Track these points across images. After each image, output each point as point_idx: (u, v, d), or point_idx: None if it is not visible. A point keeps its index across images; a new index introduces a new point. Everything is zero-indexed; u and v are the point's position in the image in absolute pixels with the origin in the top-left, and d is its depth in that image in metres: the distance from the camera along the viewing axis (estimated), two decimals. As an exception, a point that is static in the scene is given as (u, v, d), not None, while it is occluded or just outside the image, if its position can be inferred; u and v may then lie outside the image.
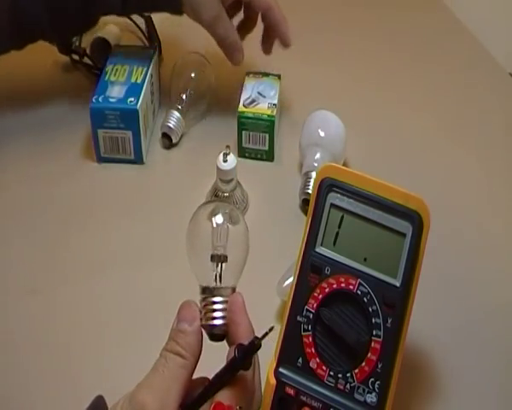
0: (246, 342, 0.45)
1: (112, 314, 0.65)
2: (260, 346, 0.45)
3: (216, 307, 0.48)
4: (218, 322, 0.48)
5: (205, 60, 0.89)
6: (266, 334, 0.45)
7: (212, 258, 0.49)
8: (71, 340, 0.63)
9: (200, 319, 0.48)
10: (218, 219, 0.50)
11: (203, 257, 0.49)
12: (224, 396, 0.45)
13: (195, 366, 0.46)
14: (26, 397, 0.58)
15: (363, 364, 0.48)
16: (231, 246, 0.50)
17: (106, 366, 0.60)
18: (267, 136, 0.81)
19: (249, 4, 0.83)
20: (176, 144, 0.85)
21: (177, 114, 0.84)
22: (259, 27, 0.87)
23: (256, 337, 0.45)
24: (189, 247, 0.51)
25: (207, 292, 0.49)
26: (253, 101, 0.82)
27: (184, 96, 0.86)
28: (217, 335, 0.48)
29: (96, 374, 0.58)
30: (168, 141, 0.84)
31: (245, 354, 0.45)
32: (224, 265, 0.49)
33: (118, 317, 0.65)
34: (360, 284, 0.49)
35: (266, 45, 0.87)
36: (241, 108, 0.81)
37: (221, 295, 0.49)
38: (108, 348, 0.62)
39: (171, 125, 0.83)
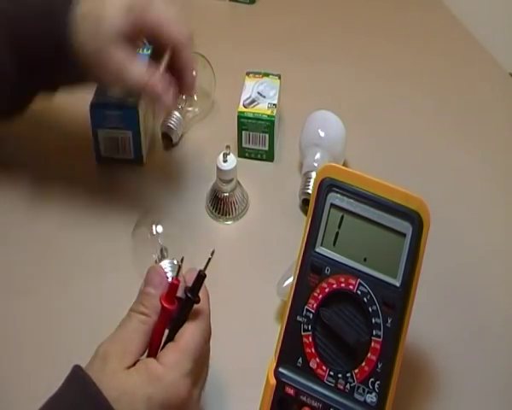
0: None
1: (111, 313, 0.65)
2: (205, 275, 0.49)
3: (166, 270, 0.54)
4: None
5: (205, 60, 0.89)
6: (209, 260, 0.49)
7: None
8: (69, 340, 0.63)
9: None
10: (159, 228, 0.60)
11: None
12: (186, 328, 0.49)
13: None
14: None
15: (363, 364, 0.48)
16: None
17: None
18: (267, 136, 0.81)
19: (159, 37, 0.67)
20: (176, 144, 0.85)
21: (177, 114, 0.84)
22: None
23: (200, 270, 0.49)
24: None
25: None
26: (253, 101, 0.82)
27: (184, 96, 0.86)
28: None
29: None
30: (168, 141, 0.84)
31: (194, 289, 0.49)
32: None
33: (117, 315, 0.65)
34: (360, 283, 0.49)
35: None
36: (241, 108, 0.81)
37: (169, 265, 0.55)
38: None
39: (171, 125, 0.83)
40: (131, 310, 0.50)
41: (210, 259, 0.49)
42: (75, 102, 0.77)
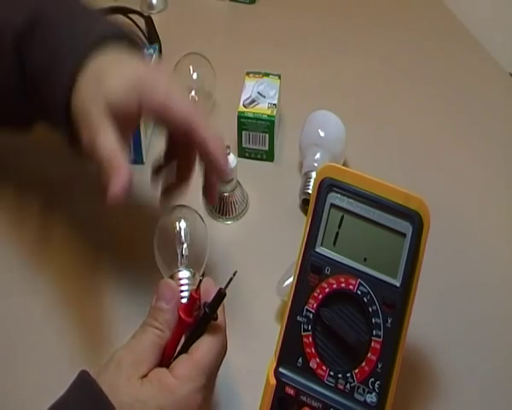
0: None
1: (110, 313, 0.65)
2: (225, 294, 0.49)
3: (183, 282, 0.54)
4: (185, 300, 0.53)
5: (206, 60, 0.89)
6: (231, 280, 0.49)
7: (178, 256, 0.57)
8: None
9: None
10: (182, 224, 0.59)
11: (170, 257, 0.58)
12: (203, 343, 0.49)
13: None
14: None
15: (363, 364, 0.48)
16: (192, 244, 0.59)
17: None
18: (267, 136, 0.81)
19: (168, 117, 0.57)
20: None
21: None
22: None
23: (221, 288, 0.49)
24: (159, 250, 0.60)
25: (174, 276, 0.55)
26: (253, 101, 0.82)
27: (190, 97, 0.85)
28: None
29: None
30: None
31: (213, 306, 0.49)
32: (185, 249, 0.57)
33: (117, 314, 0.65)
34: (360, 283, 0.49)
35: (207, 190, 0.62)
36: (241, 108, 0.81)
37: (188, 274, 0.55)
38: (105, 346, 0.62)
39: None
40: (146, 324, 0.50)
41: (231, 278, 0.49)
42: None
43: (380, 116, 0.91)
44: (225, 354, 0.51)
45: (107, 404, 0.45)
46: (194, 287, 0.51)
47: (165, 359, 0.50)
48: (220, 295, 0.49)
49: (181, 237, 0.58)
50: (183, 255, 0.57)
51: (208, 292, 0.51)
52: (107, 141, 0.54)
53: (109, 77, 0.56)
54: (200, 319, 0.49)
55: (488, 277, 0.71)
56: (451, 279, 0.70)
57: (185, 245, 0.58)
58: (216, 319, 0.49)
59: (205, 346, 0.49)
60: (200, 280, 0.51)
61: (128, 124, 0.58)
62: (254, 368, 0.54)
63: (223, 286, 0.49)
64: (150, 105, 0.56)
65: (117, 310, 0.65)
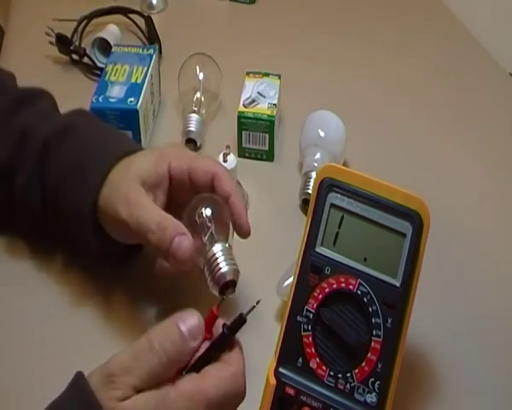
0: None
1: (110, 312, 0.65)
2: (246, 321, 0.47)
3: (218, 255, 0.55)
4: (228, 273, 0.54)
5: (212, 60, 0.89)
6: (253, 307, 0.47)
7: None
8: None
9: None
10: (207, 211, 0.58)
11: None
12: (215, 375, 0.45)
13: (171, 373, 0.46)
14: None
15: (363, 364, 0.48)
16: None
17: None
18: (267, 136, 0.81)
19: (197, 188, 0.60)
20: (200, 147, 0.84)
21: (196, 116, 0.84)
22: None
23: (242, 313, 0.47)
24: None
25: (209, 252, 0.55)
26: (253, 101, 0.82)
27: (195, 98, 0.86)
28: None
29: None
30: (193, 145, 0.84)
31: (232, 329, 0.47)
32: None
33: (116, 314, 0.65)
34: (360, 284, 0.49)
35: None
36: (241, 108, 0.81)
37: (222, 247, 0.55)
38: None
39: (193, 129, 0.83)
40: (158, 344, 0.45)
41: (254, 307, 0.47)
42: (75, 103, 0.77)
43: (380, 116, 0.91)
44: (239, 401, 0.47)
45: (100, 407, 0.44)
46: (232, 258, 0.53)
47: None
48: (241, 320, 0.47)
49: (206, 223, 0.57)
50: (212, 236, 0.57)
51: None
52: (153, 211, 0.57)
53: (136, 160, 0.61)
54: (217, 338, 0.47)
55: (488, 276, 0.71)
56: (451, 279, 0.70)
57: (212, 229, 0.57)
58: (232, 343, 0.47)
59: (214, 379, 0.45)
60: (223, 298, 0.51)
61: (159, 196, 0.60)
62: (254, 368, 0.54)
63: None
64: (180, 167, 0.60)
65: (118, 310, 0.65)
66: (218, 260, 0.55)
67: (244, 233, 0.60)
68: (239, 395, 0.47)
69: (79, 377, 0.47)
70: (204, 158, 0.62)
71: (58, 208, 0.63)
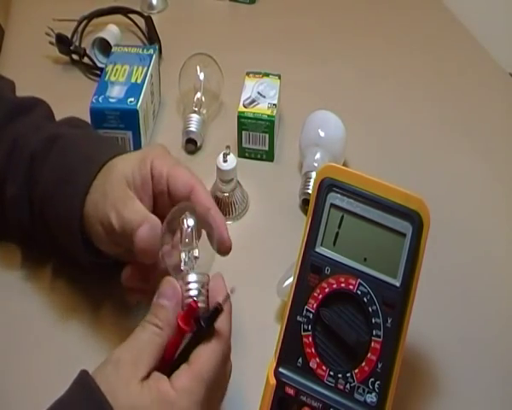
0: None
1: (110, 312, 0.65)
2: (222, 310, 0.48)
3: (191, 287, 0.51)
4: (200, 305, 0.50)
5: (213, 61, 0.89)
6: (228, 297, 0.48)
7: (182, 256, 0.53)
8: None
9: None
10: (189, 222, 0.54)
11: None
12: (202, 352, 0.48)
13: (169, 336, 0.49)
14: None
15: (363, 364, 0.48)
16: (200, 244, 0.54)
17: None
18: (267, 136, 0.81)
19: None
20: (199, 148, 0.84)
21: (196, 116, 0.84)
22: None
23: (219, 303, 0.48)
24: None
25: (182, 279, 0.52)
26: (253, 101, 0.82)
27: (196, 98, 0.86)
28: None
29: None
30: (193, 145, 0.84)
31: (209, 319, 0.48)
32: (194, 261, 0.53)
33: (116, 314, 0.65)
34: (360, 284, 0.49)
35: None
36: (241, 108, 0.81)
37: (196, 278, 0.52)
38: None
39: (193, 129, 0.83)
40: (145, 321, 0.50)
41: (229, 296, 0.48)
42: (75, 103, 0.77)
43: (380, 116, 0.91)
44: (228, 363, 0.50)
45: (106, 406, 0.45)
46: (204, 290, 0.50)
47: (165, 364, 0.49)
48: (217, 311, 0.48)
49: (188, 236, 0.54)
50: (189, 257, 0.54)
51: (217, 290, 0.50)
52: (138, 212, 0.55)
53: (119, 163, 0.59)
54: (196, 331, 0.48)
55: (488, 276, 0.71)
56: (451, 279, 0.70)
57: (194, 245, 0.54)
58: (212, 333, 0.48)
59: (204, 356, 0.48)
60: (207, 289, 0.50)
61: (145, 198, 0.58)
62: (254, 368, 0.54)
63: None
64: (160, 167, 0.58)
65: (119, 309, 0.65)
66: (190, 293, 0.51)
67: (225, 249, 0.56)
68: (226, 357, 0.50)
69: (84, 375, 0.47)
70: (184, 168, 0.59)
71: (46, 222, 0.63)
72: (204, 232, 0.56)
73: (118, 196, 0.57)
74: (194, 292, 0.50)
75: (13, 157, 0.65)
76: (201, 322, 0.48)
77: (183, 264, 0.53)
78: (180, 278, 0.52)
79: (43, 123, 0.67)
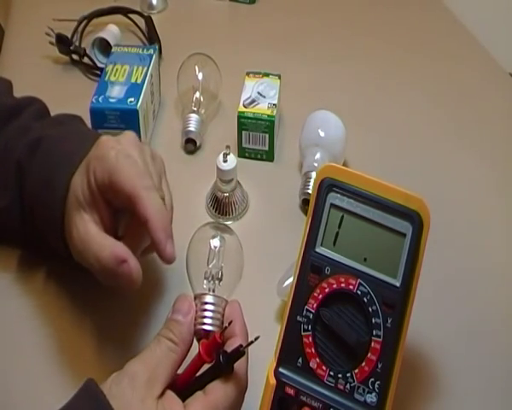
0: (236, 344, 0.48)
1: (106, 313, 0.65)
2: (244, 353, 0.48)
3: (207, 307, 0.52)
4: (208, 327, 0.51)
5: (211, 60, 0.89)
6: (251, 342, 0.48)
7: (206, 275, 0.54)
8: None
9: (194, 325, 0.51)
10: (215, 242, 0.55)
11: (200, 273, 0.54)
12: (220, 387, 0.48)
13: (186, 355, 0.50)
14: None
15: (363, 364, 0.48)
16: (226, 265, 0.55)
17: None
18: (267, 136, 0.81)
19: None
20: (199, 148, 0.84)
21: (195, 116, 0.84)
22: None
23: (241, 345, 0.48)
24: (189, 263, 0.56)
25: (199, 298, 0.52)
26: (253, 101, 0.82)
27: (195, 98, 0.86)
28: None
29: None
30: (192, 145, 0.84)
31: (229, 361, 0.48)
32: (217, 282, 0.54)
33: (112, 315, 0.65)
34: (360, 284, 0.49)
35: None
36: (241, 108, 0.81)
37: (213, 300, 0.52)
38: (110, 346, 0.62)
39: (193, 129, 0.83)
40: (160, 335, 0.50)
41: (252, 342, 0.48)
42: (75, 103, 0.77)
43: (379, 116, 0.91)
44: (240, 401, 0.50)
45: None
46: (220, 315, 0.51)
47: (179, 388, 0.49)
48: (239, 353, 0.48)
49: (213, 256, 0.54)
50: (212, 277, 0.54)
51: (232, 316, 0.50)
52: (100, 248, 0.54)
53: (72, 183, 0.57)
54: (215, 365, 0.48)
55: (488, 276, 0.70)
56: (452, 279, 0.70)
57: (216, 265, 0.54)
58: (230, 372, 0.48)
59: (221, 391, 0.48)
60: (225, 327, 0.50)
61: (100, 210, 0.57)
62: (254, 368, 0.54)
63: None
64: (101, 177, 0.55)
65: (116, 309, 0.65)
66: (205, 314, 0.52)
67: (165, 261, 0.53)
68: (243, 392, 0.49)
69: (91, 385, 0.47)
70: (127, 169, 0.54)
71: (36, 228, 0.63)
72: (231, 253, 0.56)
73: (75, 229, 0.56)
74: (208, 313, 0.51)
75: (2, 166, 0.64)
76: (221, 358, 0.48)
77: (205, 282, 0.53)
78: (198, 296, 0.52)
79: (30, 124, 0.66)
